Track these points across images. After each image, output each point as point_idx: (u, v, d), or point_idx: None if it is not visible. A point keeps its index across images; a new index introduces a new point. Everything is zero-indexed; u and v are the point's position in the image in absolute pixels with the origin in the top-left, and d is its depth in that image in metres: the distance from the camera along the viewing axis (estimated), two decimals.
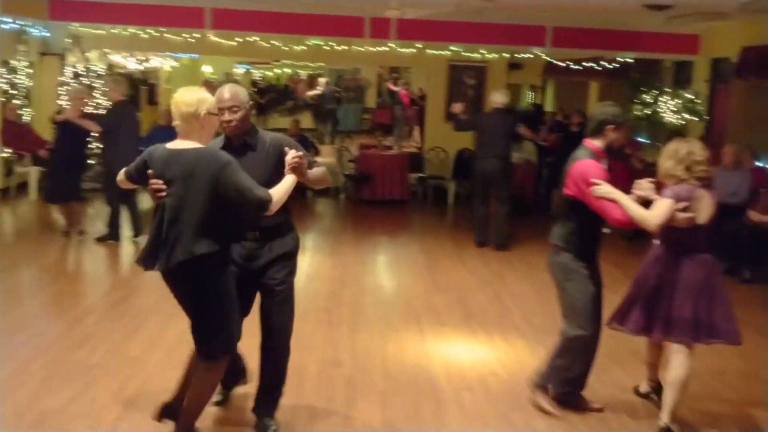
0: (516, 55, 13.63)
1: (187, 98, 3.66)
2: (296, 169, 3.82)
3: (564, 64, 15.28)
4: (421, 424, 4.47)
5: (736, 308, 7.26)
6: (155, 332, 5.69)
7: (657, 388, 4.84)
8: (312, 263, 8.27)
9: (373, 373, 5.17)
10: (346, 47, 12.47)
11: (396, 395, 4.82)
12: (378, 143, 13.11)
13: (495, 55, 12.76)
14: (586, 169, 4.27)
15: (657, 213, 4.17)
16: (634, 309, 4.51)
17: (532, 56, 13.64)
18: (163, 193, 3.62)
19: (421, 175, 12.66)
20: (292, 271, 4.21)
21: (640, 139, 12.49)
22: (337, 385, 4.90)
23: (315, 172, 4.05)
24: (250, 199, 3.61)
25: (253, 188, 3.62)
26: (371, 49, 12.49)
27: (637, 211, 4.17)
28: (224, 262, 3.76)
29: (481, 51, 12.53)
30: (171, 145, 3.70)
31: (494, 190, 9.11)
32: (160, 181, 3.63)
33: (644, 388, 4.95)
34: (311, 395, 4.73)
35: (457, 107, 9.61)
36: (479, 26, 11.47)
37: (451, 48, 12.38)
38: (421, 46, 12.31)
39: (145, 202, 9.40)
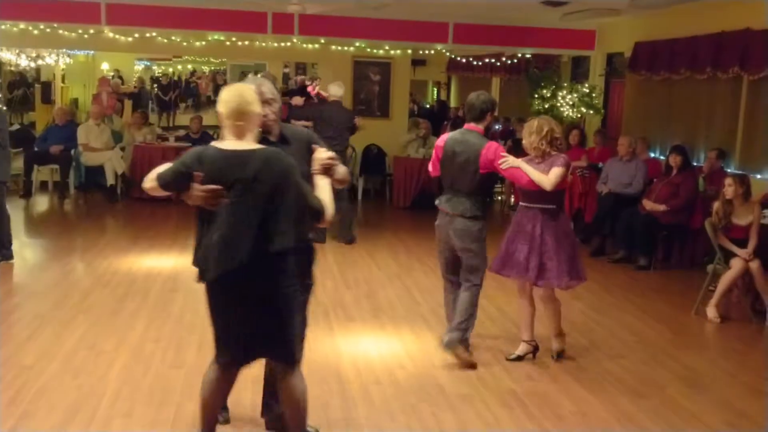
0: (420, 51, 13.76)
1: (248, 96, 3.41)
2: (328, 170, 3.58)
3: (466, 60, 15.52)
4: (330, 421, 4.44)
5: (634, 295, 7.58)
6: (51, 340, 5.44)
7: (535, 349, 5.54)
8: None
9: None
10: (249, 42, 12.30)
11: None
12: None
13: (399, 52, 12.84)
14: (495, 148, 5.20)
15: (552, 177, 5.09)
16: (511, 259, 5.37)
17: (434, 52, 13.80)
18: (225, 199, 3.30)
19: None
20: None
21: None
22: (244, 388, 4.80)
23: (339, 170, 3.78)
24: (310, 206, 3.41)
25: (312, 195, 3.43)
26: (275, 44, 12.36)
27: (537, 175, 5.12)
28: (292, 265, 3.51)
29: (385, 47, 12.58)
30: (225, 145, 3.39)
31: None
32: (218, 186, 3.29)
33: (521, 350, 5.53)
34: None
35: (297, 100, 9.87)
36: (382, 22, 11.51)
37: (356, 44, 12.39)
38: (324, 41, 12.26)
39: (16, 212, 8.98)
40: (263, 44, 12.35)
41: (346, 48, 12.56)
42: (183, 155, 3.52)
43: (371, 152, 12.70)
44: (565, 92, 11.71)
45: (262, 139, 3.66)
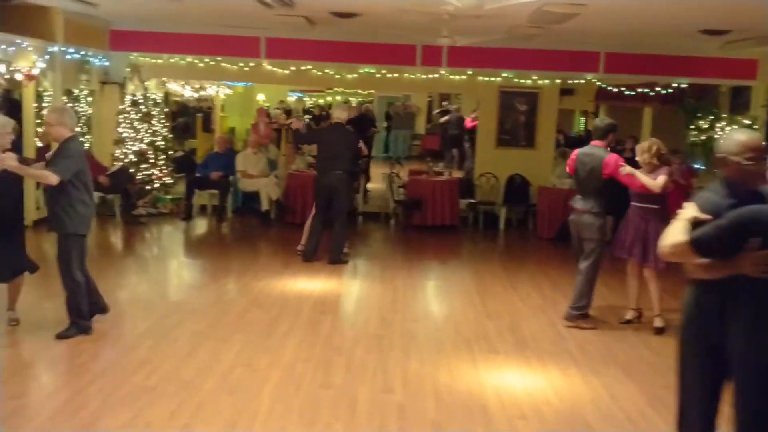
0: (568, 80, 13.57)
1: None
2: None
3: (617, 90, 15.12)
4: None
5: None
6: (209, 357, 5.75)
7: (639, 314, 7.16)
8: (362, 289, 8.29)
9: (425, 401, 5.14)
10: (398, 75, 12.57)
11: (448, 423, 4.78)
12: (428, 169, 13.14)
13: (547, 81, 12.72)
14: (616, 159, 6.85)
15: (659, 182, 6.65)
16: (620, 243, 7.05)
17: (584, 82, 13.55)
18: None
19: (471, 200, 12.63)
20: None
21: (696, 166, 12.26)
22: (389, 413, 4.88)
23: None
24: None
25: None
26: (422, 76, 12.57)
27: (646, 180, 6.67)
28: None
29: (532, 77, 12.50)
30: None
31: (334, 204, 9.16)
32: None
33: (629, 315, 7.17)
34: (363, 422, 4.72)
35: (297, 124, 10.11)
36: (531, 53, 11.47)
37: (503, 74, 12.39)
38: (471, 72, 12.35)
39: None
40: (411, 76, 12.60)
41: (492, 78, 12.58)
42: (730, 214, 3.12)
43: (515, 182, 12.61)
44: (723, 124, 11.18)
45: (730, 194, 3.29)
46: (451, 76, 12.53)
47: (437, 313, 7.69)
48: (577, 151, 7.13)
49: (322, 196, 9.26)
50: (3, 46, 9.09)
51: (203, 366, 5.55)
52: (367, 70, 12.34)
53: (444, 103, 22.21)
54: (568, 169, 7.23)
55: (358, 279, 8.79)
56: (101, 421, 4.56)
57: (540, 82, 12.69)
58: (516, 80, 12.60)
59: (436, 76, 12.42)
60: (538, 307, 7.71)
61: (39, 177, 5.89)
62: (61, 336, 5.95)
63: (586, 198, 6.90)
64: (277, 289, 7.91)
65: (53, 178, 5.71)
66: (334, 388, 5.25)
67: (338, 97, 25.80)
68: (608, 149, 6.99)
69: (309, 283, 8.25)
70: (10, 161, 5.64)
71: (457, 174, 14.35)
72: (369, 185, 13.19)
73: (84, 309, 6.09)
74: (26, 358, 5.74)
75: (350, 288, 8.33)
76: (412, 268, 9.40)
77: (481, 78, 12.58)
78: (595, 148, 6.94)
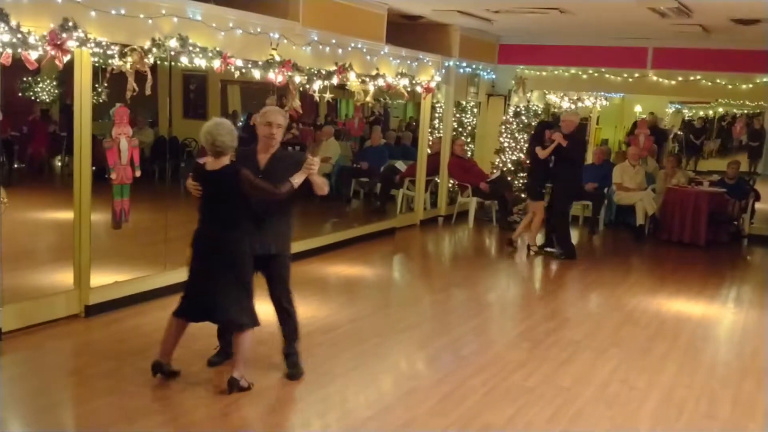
0: None
1: None
2: None
3: None
4: None
5: None
6: (586, 367, 5.76)
7: None
8: (749, 317, 7.62)
9: None
10: None
11: None
12: None
13: None
14: None
15: None
16: None
17: None
18: None
19: None
20: None
21: None
22: None
23: None
24: None
25: None
26: None
27: None
28: None
29: None
30: None
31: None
32: None
33: None
34: None
35: (559, 137, 9.25)
36: None
37: None
38: None
39: None
40: None
41: None
42: None
43: None
44: None
45: None
46: None
47: None
48: None
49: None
50: (408, 61, 10.07)
51: (580, 375, 5.58)
52: (766, 80, 11.31)
53: None
54: None
55: (745, 306, 8.11)
56: (484, 413, 4.83)
57: None
58: None
59: None
60: None
61: (322, 185, 5.02)
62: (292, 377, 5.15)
63: None
64: (652, 307, 7.64)
65: (327, 188, 5.06)
66: (719, 420, 4.92)
67: (720, 109, 23.96)
68: None
69: (688, 306, 7.83)
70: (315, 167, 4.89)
71: None
72: (758, 205, 12.03)
73: None
74: (412, 350, 6.28)
75: (735, 315, 7.72)
76: None
77: None
78: None
